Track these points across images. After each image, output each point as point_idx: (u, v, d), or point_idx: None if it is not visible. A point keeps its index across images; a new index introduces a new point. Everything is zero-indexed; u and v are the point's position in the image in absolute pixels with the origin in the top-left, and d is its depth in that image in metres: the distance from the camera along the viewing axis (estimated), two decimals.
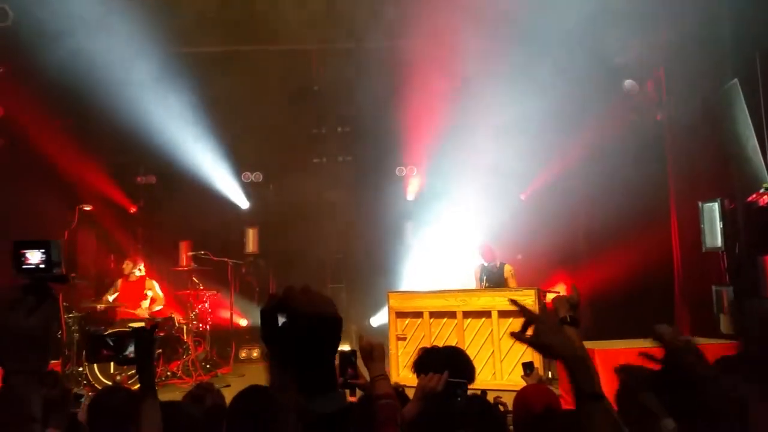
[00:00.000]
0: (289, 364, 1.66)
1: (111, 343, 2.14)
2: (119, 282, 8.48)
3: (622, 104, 8.88)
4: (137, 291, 8.44)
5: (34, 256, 1.55)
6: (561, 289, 9.01)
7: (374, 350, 2.44)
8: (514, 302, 1.97)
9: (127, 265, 8.46)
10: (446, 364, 2.92)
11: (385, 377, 2.36)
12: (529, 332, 1.81)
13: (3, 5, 7.21)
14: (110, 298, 8.36)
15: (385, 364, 2.50)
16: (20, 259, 1.55)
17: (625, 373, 2.47)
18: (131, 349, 2.13)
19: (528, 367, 4.37)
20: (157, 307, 8.46)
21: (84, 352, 7.10)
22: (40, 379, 1.34)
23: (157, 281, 8.75)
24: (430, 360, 3.22)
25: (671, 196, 8.59)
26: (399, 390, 3.11)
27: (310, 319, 1.66)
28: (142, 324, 7.89)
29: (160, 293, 8.55)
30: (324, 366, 1.72)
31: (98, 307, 8.18)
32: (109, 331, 2.25)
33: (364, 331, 10.02)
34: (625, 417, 2.22)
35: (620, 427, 1.78)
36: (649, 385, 2.44)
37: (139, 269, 8.49)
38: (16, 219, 7.87)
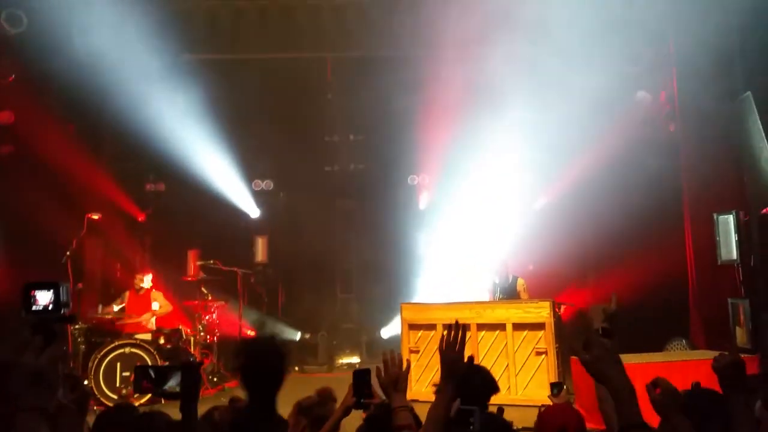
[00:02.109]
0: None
1: (152, 375, 2.13)
2: (127, 294, 8.41)
3: (635, 115, 8.85)
4: (144, 303, 8.39)
5: (44, 297, 1.61)
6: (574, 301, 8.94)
7: (399, 382, 2.43)
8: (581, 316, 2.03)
9: (138, 280, 8.42)
10: (466, 384, 2.88)
11: (407, 408, 2.36)
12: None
13: (18, 12, 7.16)
14: (116, 309, 8.29)
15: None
16: (30, 300, 1.60)
17: (657, 389, 2.40)
18: (172, 383, 2.11)
19: (556, 386, 4.31)
20: (165, 311, 8.51)
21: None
22: (47, 417, 1.38)
23: (164, 291, 8.71)
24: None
25: (685, 208, 8.56)
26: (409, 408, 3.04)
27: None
28: (149, 335, 7.85)
29: (166, 301, 8.54)
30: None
31: (106, 317, 8.09)
32: (154, 364, 2.26)
33: (375, 344, 9.95)
34: None
35: None
36: (681, 406, 2.38)
37: (147, 281, 8.44)
38: (24, 226, 7.79)
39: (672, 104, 8.93)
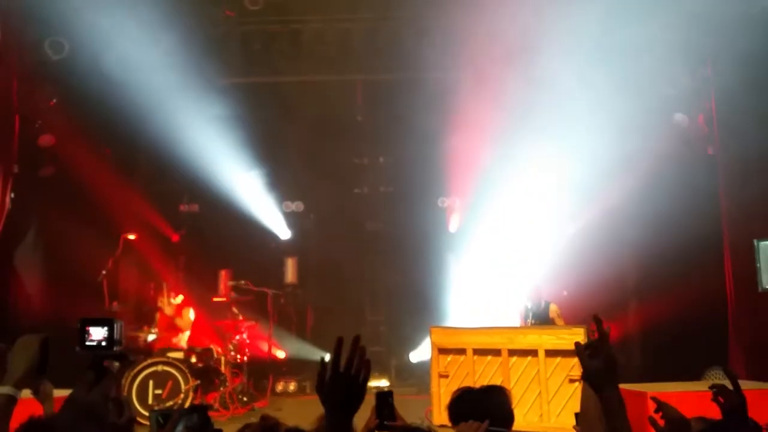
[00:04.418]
0: None
1: (161, 421, 2.16)
2: (157, 315, 8.56)
3: (673, 138, 8.69)
4: (172, 323, 8.56)
5: (98, 333, 1.67)
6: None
7: None
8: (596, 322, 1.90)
9: (162, 301, 8.54)
10: (481, 408, 2.75)
11: None
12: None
13: (60, 39, 7.40)
14: (151, 334, 8.42)
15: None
16: (84, 335, 1.66)
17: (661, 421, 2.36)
18: (180, 428, 2.11)
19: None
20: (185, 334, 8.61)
21: None
22: None
23: (195, 309, 8.77)
24: (464, 404, 3.03)
25: (725, 233, 8.33)
26: None
27: None
28: (180, 354, 7.93)
29: (187, 320, 8.61)
30: None
31: (139, 336, 8.21)
32: (161, 408, 2.33)
33: (404, 368, 9.84)
34: None
35: None
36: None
37: (174, 301, 8.56)
38: (63, 247, 7.97)
39: (710, 127, 8.75)
